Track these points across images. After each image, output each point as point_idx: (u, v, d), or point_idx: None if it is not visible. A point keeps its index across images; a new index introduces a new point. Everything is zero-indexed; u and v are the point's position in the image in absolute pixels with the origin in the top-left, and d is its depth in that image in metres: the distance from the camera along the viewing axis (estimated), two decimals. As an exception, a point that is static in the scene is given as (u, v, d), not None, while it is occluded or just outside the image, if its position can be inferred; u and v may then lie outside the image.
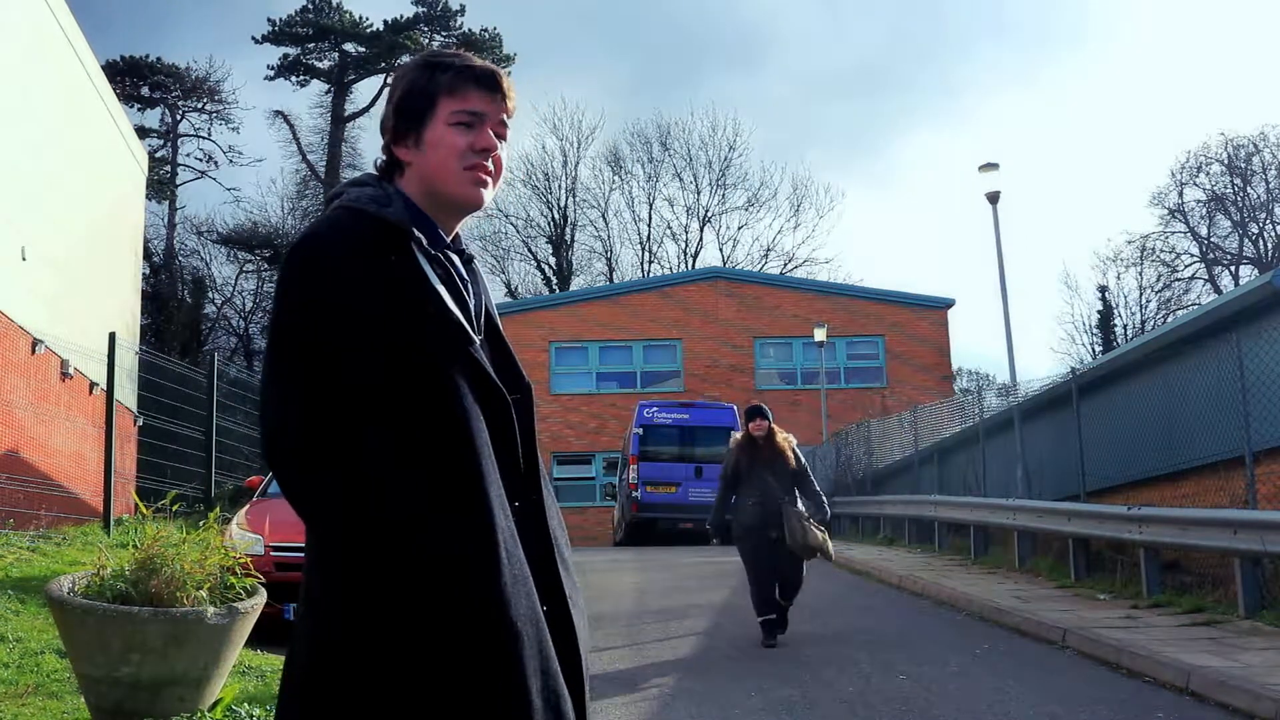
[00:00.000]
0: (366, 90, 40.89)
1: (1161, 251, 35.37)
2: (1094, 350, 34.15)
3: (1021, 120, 58.34)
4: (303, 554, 1.68)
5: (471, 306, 1.73)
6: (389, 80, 1.98)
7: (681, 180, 41.41)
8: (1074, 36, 58.18)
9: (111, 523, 10.54)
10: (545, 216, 40.59)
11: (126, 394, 13.99)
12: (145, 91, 38.56)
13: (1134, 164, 54.35)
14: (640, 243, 41.10)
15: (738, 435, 8.12)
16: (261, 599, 4.56)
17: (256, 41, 40.41)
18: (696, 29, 60.16)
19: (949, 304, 29.90)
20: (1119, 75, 56.87)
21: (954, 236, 62.07)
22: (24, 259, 11.10)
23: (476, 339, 1.69)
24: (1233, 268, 34.98)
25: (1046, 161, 58.76)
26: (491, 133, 1.74)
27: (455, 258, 1.75)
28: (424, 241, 1.68)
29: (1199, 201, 34.72)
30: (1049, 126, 59.37)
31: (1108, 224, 73.71)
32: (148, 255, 29.80)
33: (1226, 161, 34.06)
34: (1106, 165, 58.82)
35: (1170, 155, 68.67)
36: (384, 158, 1.77)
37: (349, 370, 1.57)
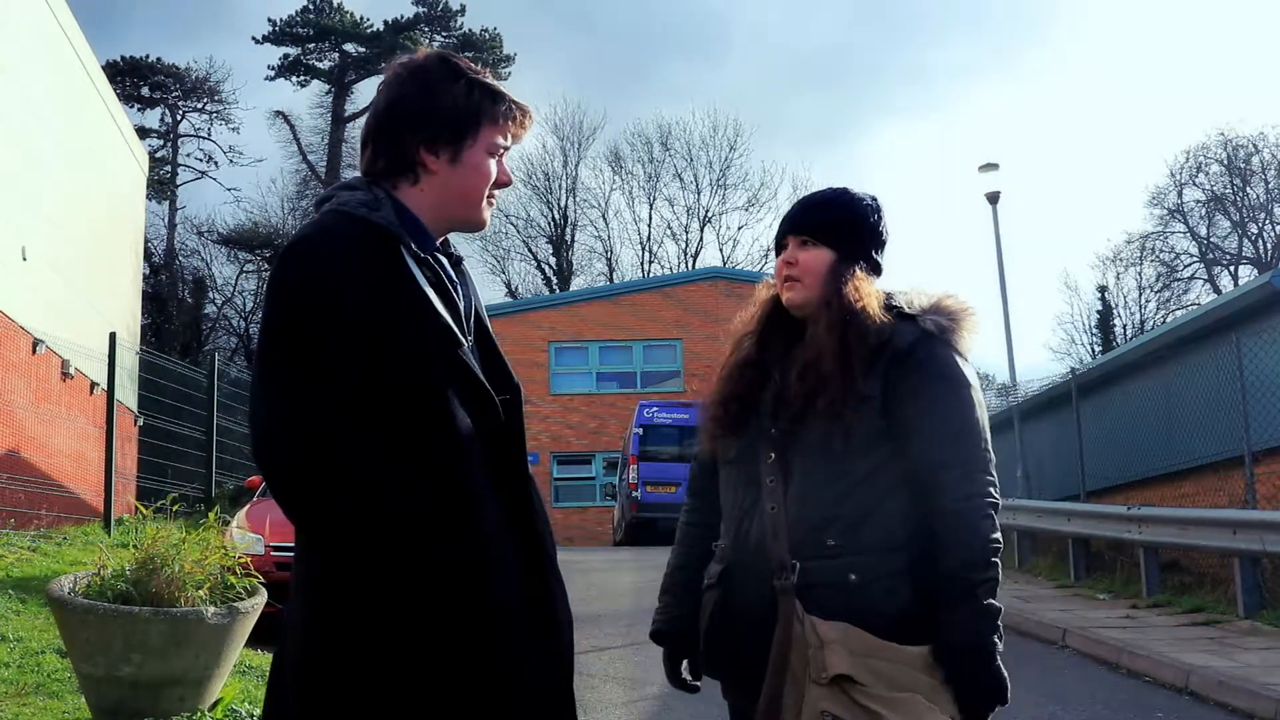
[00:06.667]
0: (367, 90, 40.81)
1: (1161, 251, 35.38)
2: (1094, 350, 34.10)
3: (1017, 119, 58.32)
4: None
5: (461, 309, 1.74)
6: (397, 69, 1.89)
7: (682, 180, 41.38)
8: (1072, 33, 58.18)
9: (112, 522, 10.54)
10: (545, 216, 40.59)
11: (127, 394, 13.98)
12: (145, 91, 38.51)
13: (1133, 164, 54.28)
14: (640, 243, 41.09)
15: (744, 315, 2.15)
16: (262, 599, 4.56)
17: (257, 42, 40.42)
18: (651, 15, 59.74)
19: (949, 304, 29.90)
20: (1118, 74, 56.88)
21: (954, 236, 62.01)
22: (24, 259, 11.09)
23: (465, 341, 1.70)
24: (1232, 268, 34.95)
25: (1046, 161, 58.73)
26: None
27: (444, 260, 1.77)
28: (413, 245, 1.70)
29: (1198, 201, 34.71)
30: (1047, 125, 59.34)
31: (1108, 224, 73.77)
32: (148, 255, 29.78)
33: (1226, 161, 34.04)
34: (1106, 165, 58.83)
35: (1170, 154, 68.74)
36: (390, 155, 1.74)
37: (339, 372, 1.58)
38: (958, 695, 1.81)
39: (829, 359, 1.90)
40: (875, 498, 1.87)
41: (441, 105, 1.72)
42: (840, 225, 2.02)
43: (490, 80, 1.77)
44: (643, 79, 60.90)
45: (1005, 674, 1.83)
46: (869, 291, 1.96)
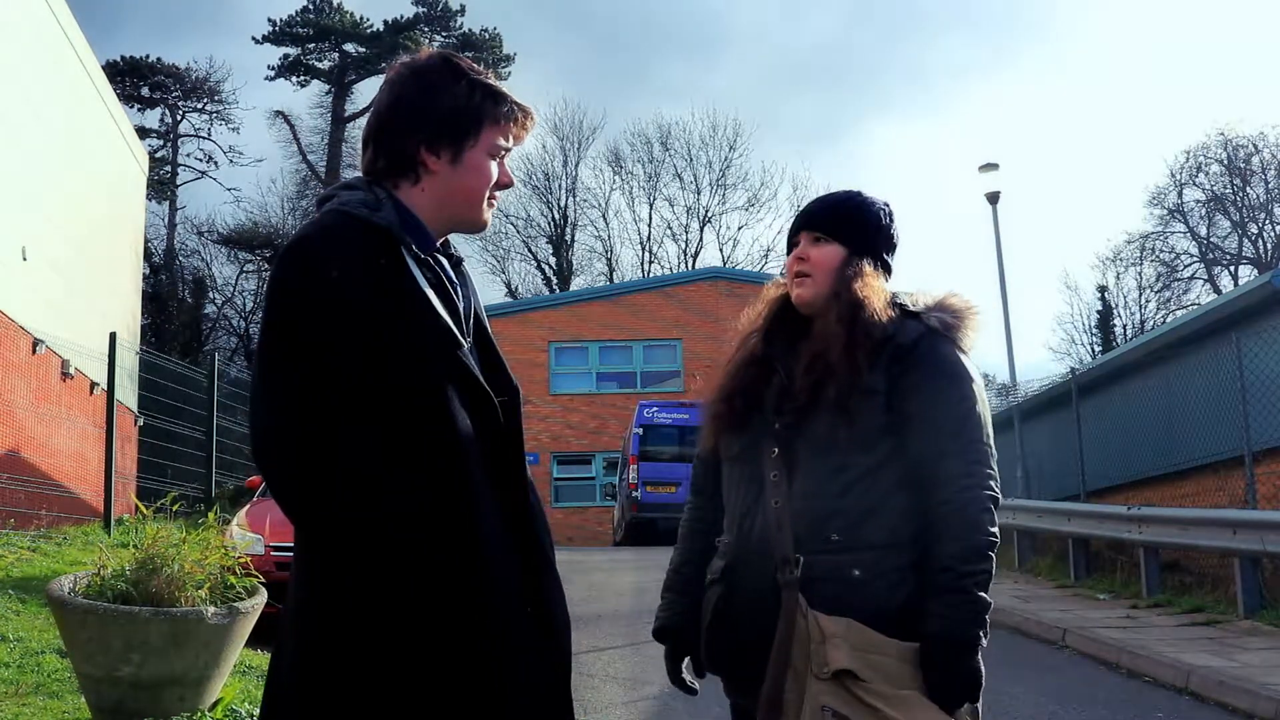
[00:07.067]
0: (367, 90, 40.84)
1: (1161, 251, 35.37)
2: (1094, 350, 34.08)
3: (1017, 119, 58.30)
4: (303, 554, 1.70)
5: (460, 309, 1.74)
6: (399, 69, 1.87)
7: (682, 180, 41.36)
8: (1071, 33, 58.15)
9: (112, 522, 10.54)
10: (545, 216, 40.58)
11: (127, 394, 13.98)
12: (145, 92, 38.50)
13: (1133, 164, 54.25)
14: (640, 243, 41.08)
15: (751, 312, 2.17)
16: (262, 599, 4.56)
17: (257, 42, 40.41)
18: (651, 15, 59.55)
19: (949, 304, 29.86)
20: (1118, 74, 56.87)
21: (954, 236, 61.96)
22: (24, 259, 11.10)
23: (465, 342, 1.70)
24: (1232, 268, 34.94)
25: (1046, 161, 58.72)
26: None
27: (444, 261, 1.77)
28: (413, 245, 1.70)
29: (1198, 202, 34.68)
30: (1047, 125, 59.32)
31: (1108, 224, 73.74)
32: (148, 255, 29.76)
33: (1226, 161, 34.03)
34: (1106, 165, 58.81)
35: (1170, 154, 68.75)
36: (390, 155, 1.74)
37: (339, 372, 1.59)
38: (929, 683, 1.79)
39: (836, 350, 1.90)
40: (879, 494, 1.87)
41: (443, 105, 1.72)
42: (852, 222, 2.03)
43: (492, 81, 1.77)
44: (642, 79, 60.92)
45: (982, 670, 1.82)
46: (877, 287, 1.97)
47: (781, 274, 2.13)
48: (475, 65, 1.78)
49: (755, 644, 1.88)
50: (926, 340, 1.92)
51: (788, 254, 2.08)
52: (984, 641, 1.81)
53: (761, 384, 2.01)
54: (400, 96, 1.74)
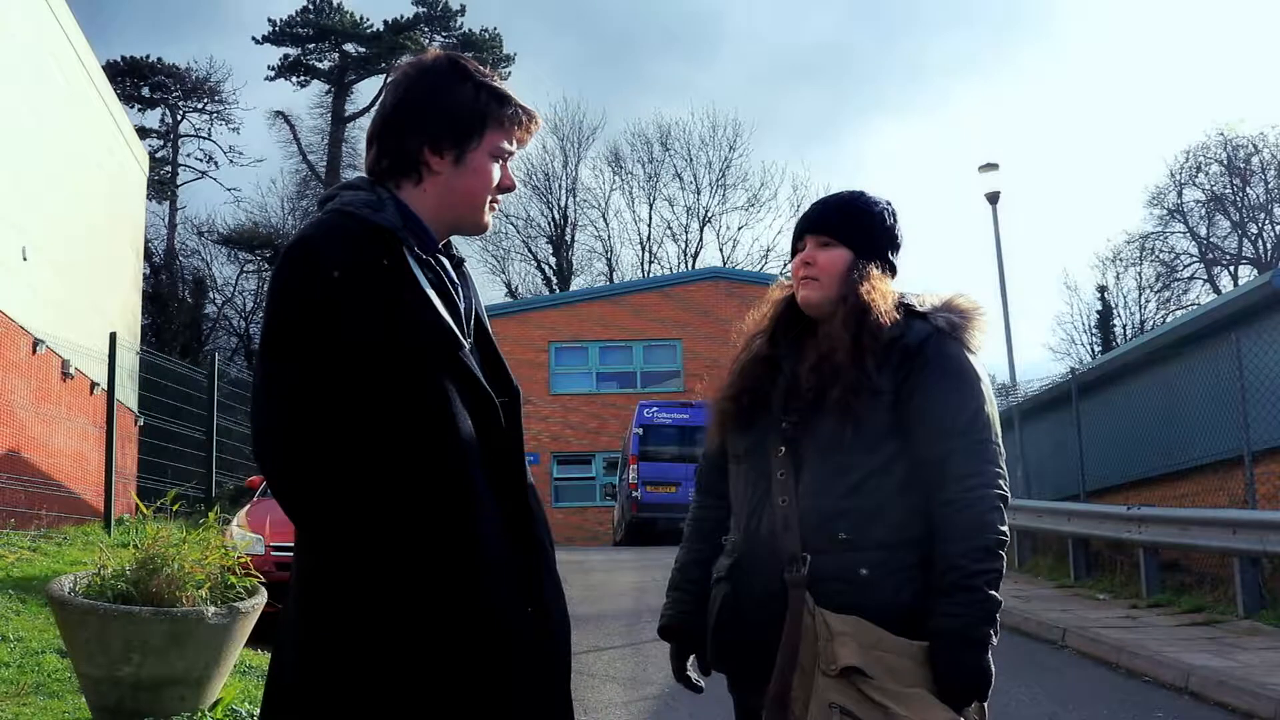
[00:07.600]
0: (367, 90, 40.89)
1: (1161, 251, 35.37)
2: (1094, 350, 34.09)
3: (1017, 118, 58.29)
4: (303, 553, 1.70)
5: (461, 310, 1.75)
6: (406, 69, 1.87)
7: (681, 180, 41.39)
8: (1071, 32, 58.14)
9: (112, 522, 10.54)
10: (545, 216, 40.58)
11: (127, 394, 13.98)
12: (145, 92, 38.51)
13: (1133, 164, 54.27)
14: (640, 243, 41.09)
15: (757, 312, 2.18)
16: (262, 598, 4.56)
17: (257, 42, 40.42)
18: (649, 14, 59.51)
19: (949, 304, 29.83)
20: (1118, 74, 56.86)
21: (954, 236, 61.95)
22: (25, 259, 11.09)
23: (466, 343, 1.70)
24: (1232, 268, 34.95)
25: (1046, 161, 58.71)
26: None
27: (446, 262, 1.77)
28: (415, 246, 1.70)
29: (1198, 202, 34.69)
30: (1047, 125, 59.31)
31: (1108, 224, 73.73)
32: (148, 255, 29.77)
33: (1226, 161, 34.02)
34: (1106, 165, 58.80)
35: (1170, 154, 68.75)
36: (393, 154, 1.74)
37: (340, 372, 1.59)
38: (938, 681, 1.78)
39: (842, 352, 1.91)
40: (886, 493, 1.87)
41: (447, 105, 1.72)
42: (857, 225, 2.04)
43: (498, 84, 1.76)
44: (642, 79, 60.92)
45: (992, 668, 1.81)
46: (883, 290, 1.98)
47: (784, 275, 2.15)
48: (481, 67, 1.78)
49: (762, 642, 1.88)
50: (934, 340, 1.93)
51: (792, 256, 2.10)
52: (994, 640, 1.81)
53: (768, 383, 2.02)
54: (405, 96, 1.74)
